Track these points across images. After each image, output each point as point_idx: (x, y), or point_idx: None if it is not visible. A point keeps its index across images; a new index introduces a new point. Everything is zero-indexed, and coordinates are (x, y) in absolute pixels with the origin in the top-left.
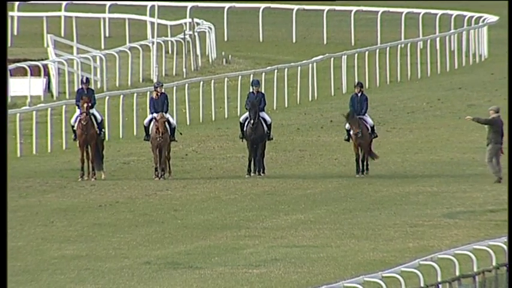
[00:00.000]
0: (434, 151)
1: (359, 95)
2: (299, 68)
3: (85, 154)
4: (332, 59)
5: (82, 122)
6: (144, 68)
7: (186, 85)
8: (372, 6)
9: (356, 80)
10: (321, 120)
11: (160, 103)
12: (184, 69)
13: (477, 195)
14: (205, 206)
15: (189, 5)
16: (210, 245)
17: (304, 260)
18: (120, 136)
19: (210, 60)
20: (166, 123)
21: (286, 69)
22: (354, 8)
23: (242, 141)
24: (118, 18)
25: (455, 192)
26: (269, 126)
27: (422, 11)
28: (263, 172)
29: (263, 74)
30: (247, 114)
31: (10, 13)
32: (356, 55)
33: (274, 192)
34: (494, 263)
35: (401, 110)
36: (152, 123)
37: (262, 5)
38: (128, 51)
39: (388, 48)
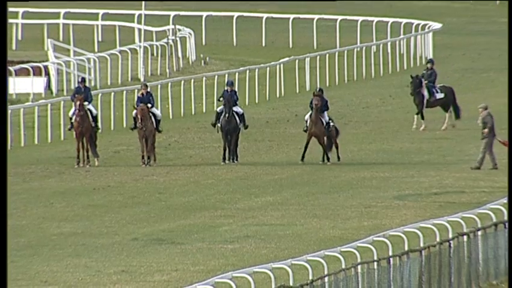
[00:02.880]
0: (386, 141)
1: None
2: (268, 68)
3: (80, 144)
4: (297, 60)
5: (77, 118)
6: (132, 68)
7: (169, 84)
8: (331, 15)
9: (318, 85)
10: (287, 114)
11: (146, 100)
12: (167, 70)
13: (423, 180)
14: (186, 189)
15: (172, 13)
16: (190, 224)
17: (272, 236)
18: (112, 128)
19: (190, 62)
20: (151, 114)
21: (256, 70)
22: (316, 16)
23: (216, 130)
24: (109, 25)
25: (404, 177)
26: (242, 117)
27: (376, 19)
28: (236, 160)
29: (237, 73)
30: (222, 107)
31: (15, 20)
32: (318, 57)
33: (246, 177)
34: (438, 239)
35: (358, 105)
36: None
37: (236, 14)
38: (118, 54)
39: (346, 51)
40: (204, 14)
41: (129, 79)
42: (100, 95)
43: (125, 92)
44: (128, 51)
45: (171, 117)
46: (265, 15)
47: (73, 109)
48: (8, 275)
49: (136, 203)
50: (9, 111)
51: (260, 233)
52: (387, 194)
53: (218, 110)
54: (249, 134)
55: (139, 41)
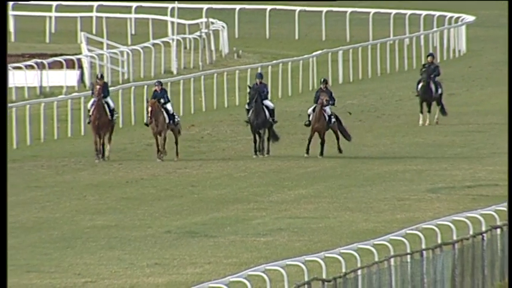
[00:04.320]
0: (419, 134)
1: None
2: (301, 61)
3: (97, 138)
4: (330, 53)
5: (94, 111)
6: (165, 61)
7: (202, 77)
8: (364, 8)
9: (351, 78)
10: None
11: (160, 96)
12: (200, 63)
13: (456, 173)
14: (219, 182)
15: (205, 6)
16: (223, 216)
17: (305, 229)
18: (144, 121)
19: (223, 55)
20: (163, 110)
21: (289, 63)
22: (349, 9)
23: (247, 125)
24: (142, 18)
25: (437, 170)
26: (272, 111)
27: (409, 11)
28: (267, 153)
29: (269, 67)
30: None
31: (48, 13)
32: (351, 50)
33: (279, 170)
34: (471, 232)
35: (390, 98)
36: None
37: (269, 7)
38: (151, 47)
39: (378, 44)
40: (237, 7)
41: (162, 72)
42: (133, 88)
43: None
44: (161, 44)
45: (204, 110)
46: (298, 8)
47: (91, 101)
48: (41, 268)
49: (169, 196)
50: (42, 104)
51: (293, 225)
52: (420, 187)
53: (247, 106)
54: (282, 127)
55: (172, 34)
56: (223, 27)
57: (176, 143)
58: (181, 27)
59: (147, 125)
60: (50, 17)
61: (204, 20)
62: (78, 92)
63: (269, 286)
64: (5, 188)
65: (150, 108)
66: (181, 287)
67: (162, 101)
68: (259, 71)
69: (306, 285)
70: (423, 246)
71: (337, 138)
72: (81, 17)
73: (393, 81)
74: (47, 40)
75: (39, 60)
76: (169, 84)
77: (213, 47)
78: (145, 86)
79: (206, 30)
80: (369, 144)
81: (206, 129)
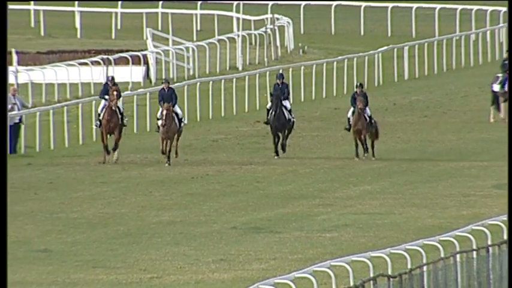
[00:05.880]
0: (485, 130)
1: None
2: (366, 57)
3: (106, 138)
4: (395, 49)
5: (105, 114)
6: (230, 57)
7: (267, 73)
8: (430, 3)
9: (416, 74)
10: (385, 103)
11: (169, 95)
12: (265, 59)
13: None
14: (284, 178)
15: (270, 2)
16: (288, 212)
17: (370, 225)
18: (210, 117)
19: (288, 51)
20: (174, 114)
21: (355, 59)
22: (415, 5)
23: (267, 124)
24: (208, 14)
25: (503, 166)
26: (290, 112)
27: (475, 7)
28: (284, 152)
29: (334, 62)
30: (270, 103)
31: (114, 10)
32: (416, 46)
33: (344, 166)
34: None
35: (456, 94)
36: (159, 113)
37: (334, 2)
38: (217, 43)
39: (444, 40)
40: (303, 2)
41: (227, 68)
42: (198, 84)
43: (223, 81)
44: (226, 40)
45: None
46: (363, 4)
47: (102, 105)
48: (107, 264)
49: (235, 192)
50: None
51: (358, 222)
52: (486, 183)
53: (268, 106)
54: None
55: (238, 30)
56: (288, 23)
57: (176, 144)
58: (247, 23)
59: (158, 130)
60: (116, 13)
61: (269, 15)
62: (143, 88)
63: (334, 282)
64: (5, 187)
65: (165, 112)
66: (246, 282)
67: (175, 107)
68: (324, 67)
69: (371, 282)
70: (489, 243)
71: (373, 146)
72: (146, 13)
73: (459, 77)
74: (113, 36)
75: (105, 56)
76: (234, 80)
77: (278, 43)
78: (211, 82)
79: (271, 26)
80: (435, 140)
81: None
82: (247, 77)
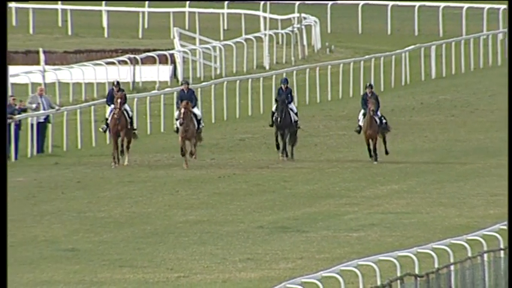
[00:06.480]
0: None
1: (369, 94)
2: (393, 56)
3: (115, 143)
4: (422, 48)
5: (115, 115)
6: (257, 56)
7: (294, 72)
8: (458, 2)
9: (443, 73)
10: (413, 102)
11: (188, 97)
12: (292, 58)
13: None
14: (311, 177)
15: (297, 1)
16: (315, 212)
17: (397, 224)
18: (237, 116)
19: (315, 50)
20: (192, 115)
21: (382, 58)
22: (442, 4)
23: (272, 126)
24: (235, 13)
25: None
26: (296, 114)
27: (502, 6)
28: (292, 157)
29: (361, 62)
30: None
31: (141, 9)
32: (444, 45)
33: (372, 165)
34: None
35: (484, 93)
36: (177, 113)
37: (362, 1)
38: (244, 42)
39: (472, 39)
40: (330, 2)
41: (254, 67)
42: (225, 83)
43: (250, 80)
44: (253, 39)
45: (296, 105)
46: (390, 3)
47: (108, 110)
48: (134, 263)
49: (262, 191)
50: (135, 100)
51: (385, 221)
52: None
53: (273, 109)
54: None
55: (265, 29)
56: (315, 22)
57: (195, 145)
58: (274, 22)
59: (177, 130)
60: (143, 13)
61: (296, 15)
62: (170, 87)
63: (361, 281)
64: (5, 185)
65: (183, 110)
66: (273, 282)
67: (194, 109)
68: (351, 66)
69: (398, 281)
70: None
71: (384, 142)
72: (173, 12)
73: (486, 76)
74: (140, 35)
75: (132, 56)
76: (261, 79)
77: (305, 42)
78: (238, 81)
79: (298, 25)
80: (462, 139)
81: (298, 124)
82: (274, 76)
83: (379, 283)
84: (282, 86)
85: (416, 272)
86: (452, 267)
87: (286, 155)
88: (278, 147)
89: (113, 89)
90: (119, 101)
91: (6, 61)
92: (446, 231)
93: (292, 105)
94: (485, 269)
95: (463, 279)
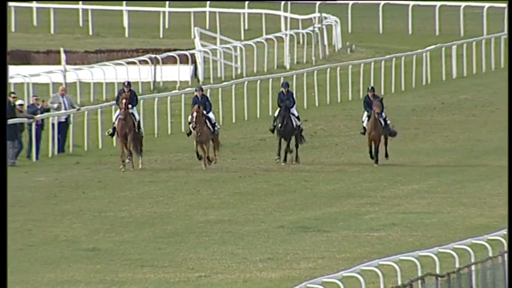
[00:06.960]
0: None
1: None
2: (414, 56)
3: (124, 146)
4: (443, 48)
5: (121, 116)
6: (278, 56)
7: (315, 72)
8: (479, 2)
9: (464, 73)
10: (434, 102)
11: (202, 103)
12: (313, 58)
13: None
14: (332, 177)
15: (318, 1)
16: (336, 211)
17: (418, 224)
18: (257, 116)
19: (336, 50)
20: (204, 117)
21: (402, 58)
22: (463, 4)
23: (273, 133)
24: (255, 13)
25: None
26: (297, 118)
27: None
28: (296, 160)
29: (382, 61)
30: (278, 111)
31: (161, 9)
32: (465, 45)
33: (392, 165)
34: None
35: (505, 93)
36: (190, 116)
37: (382, 1)
38: (264, 42)
39: (492, 39)
40: (350, 1)
41: (275, 67)
42: (246, 83)
43: (270, 80)
44: (274, 39)
45: (316, 105)
46: (411, 3)
47: (116, 113)
48: (155, 263)
49: (282, 191)
50: (155, 99)
51: (406, 221)
52: None
53: (275, 114)
54: (395, 121)
55: (285, 29)
56: (336, 22)
57: (215, 148)
58: (294, 22)
59: (189, 133)
60: (164, 13)
61: (317, 14)
62: (191, 87)
63: (382, 281)
64: (5, 186)
65: (194, 114)
66: (294, 281)
67: (209, 114)
68: (372, 66)
69: (419, 281)
70: None
71: (386, 144)
72: (194, 12)
73: (507, 76)
74: (161, 35)
75: (153, 55)
76: (282, 79)
77: (326, 42)
78: (258, 81)
79: (319, 25)
80: (483, 139)
81: (319, 124)
82: (294, 76)
83: (399, 283)
84: (283, 89)
85: (437, 271)
86: (473, 267)
87: (285, 160)
88: (279, 153)
89: (123, 89)
90: (123, 101)
91: (6, 61)
92: (467, 231)
93: (294, 110)
94: (506, 269)
95: (484, 279)
